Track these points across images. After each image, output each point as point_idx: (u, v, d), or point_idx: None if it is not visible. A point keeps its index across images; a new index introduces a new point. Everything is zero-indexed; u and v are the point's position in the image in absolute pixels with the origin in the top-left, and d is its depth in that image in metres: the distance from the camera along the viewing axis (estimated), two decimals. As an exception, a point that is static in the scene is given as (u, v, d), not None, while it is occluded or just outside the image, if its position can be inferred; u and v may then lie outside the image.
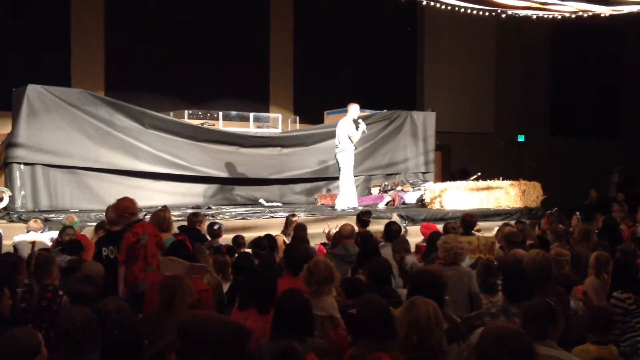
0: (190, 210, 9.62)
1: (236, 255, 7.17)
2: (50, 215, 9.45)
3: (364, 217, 8.75)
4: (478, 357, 2.85)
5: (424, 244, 7.85)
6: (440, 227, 9.25)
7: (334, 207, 11.64)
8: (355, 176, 13.49)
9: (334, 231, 8.29)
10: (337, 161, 11.41)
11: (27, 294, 4.85)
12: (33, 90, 10.24)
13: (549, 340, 3.65)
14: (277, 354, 3.31)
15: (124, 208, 6.33)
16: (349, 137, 11.14)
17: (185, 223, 8.18)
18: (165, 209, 7.01)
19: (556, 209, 12.04)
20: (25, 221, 9.02)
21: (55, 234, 8.00)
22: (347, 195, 11.36)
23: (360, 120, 11.45)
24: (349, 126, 11.18)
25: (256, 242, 7.45)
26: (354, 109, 11.30)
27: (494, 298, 5.42)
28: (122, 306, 4.29)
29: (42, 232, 8.32)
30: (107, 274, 5.32)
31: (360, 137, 11.43)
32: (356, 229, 8.52)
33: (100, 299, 4.77)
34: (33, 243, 7.76)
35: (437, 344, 3.39)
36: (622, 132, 21.31)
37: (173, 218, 7.32)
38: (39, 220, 8.47)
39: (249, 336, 2.92)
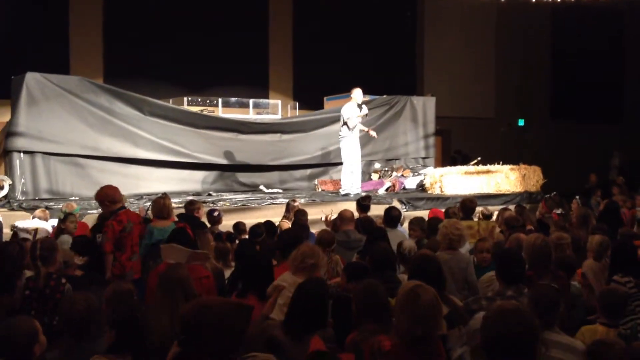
0: (190, 198, 9.63)
1: (237, 242, 7.20)
2: (50, 204, 9.46)
3: (364, 202, 8.74)
4: (483, 337, 2.87)
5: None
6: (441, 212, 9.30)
7: (335, 192, 11.65)
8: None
9: (332, 217, 8.29)
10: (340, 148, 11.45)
11: (31, 282, 4.88)
12: (32, 79, 10.22)
13: (555, 327, 3.68)
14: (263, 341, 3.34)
15: (104, 196, 6.32)
16: (345, 123, 11.11)
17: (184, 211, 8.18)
18: (165, 196, 7.02)
19: (555, 193, 12.04)
20: (26, 209, 9.05)
21: (55, 222, 8.00)
22: (348, 181, 11.36)
23: (363, 105, 11.40)
24: (347, 111, 11.14)
25: (253, 229, 7.45)
26: (356, 93, 11.25)
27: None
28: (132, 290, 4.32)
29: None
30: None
31: (362, 121, 11.36)
32: (356, 214, 8.55)
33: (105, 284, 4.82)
34: (35, 230, 7.76)
35: (440, 330, 3.41)
36: (623, 115, 21.26)
37: (173, 205, 7.32)
38: (47, 211, 8.44)
39: (250, 312, 2.92)
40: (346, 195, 11.21)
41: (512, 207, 10.37)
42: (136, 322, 3.35)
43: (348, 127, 11.13)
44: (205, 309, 2.78)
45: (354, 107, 11.17)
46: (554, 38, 20.53)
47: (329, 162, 13.10)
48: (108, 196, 6.29)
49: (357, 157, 11.44)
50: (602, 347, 3.10)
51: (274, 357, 2.99)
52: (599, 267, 5.78)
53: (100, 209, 7.10)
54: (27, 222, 8.15)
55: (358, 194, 11.15)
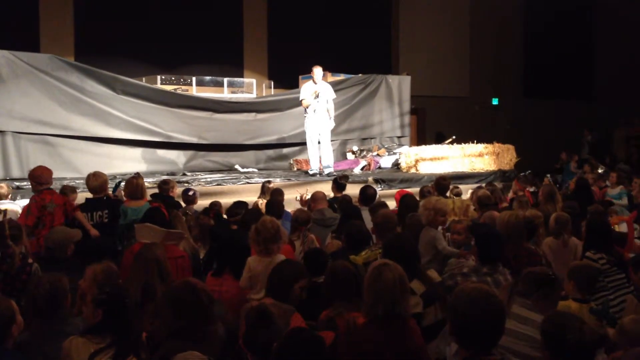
0: (165, 177, 9.55)
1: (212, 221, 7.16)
2: (22, 184, 9.31)
3: (340, 181, 8.76)
4: (451, 316, 2.90)
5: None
6: (415, 190, 9.35)
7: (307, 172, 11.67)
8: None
9: (307, 196, 8.30)
10: None
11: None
12: (1, 57, 10.01)
13: (528, 301, 3.72)
14: (253, 316, 3.38)
15: (33, 177, 6.54)
16: (301, 101, 11.17)
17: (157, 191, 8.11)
18: (138, 176, 6.97)
19: (529, 171, 12.18)
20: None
21: (25, 202, 7.87)
22: (315, 161, 11.38)
23: (324, 84, 11.35)
24: (302, 91, 11.20)
25: (231, 210, 7.41)
26: (315, 72, 11.15)
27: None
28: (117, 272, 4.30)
29: (14, 200, 8.17)
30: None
31: (315, 100, 11.09)
32: (331, 193, 8.56)
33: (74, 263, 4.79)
34: (5, 211, 7.63)
35: (404, 310, 3.44)
36: (595, 93, 21.48)
37: (147, 185, 7.27)
38: (4, 185, 8.27)
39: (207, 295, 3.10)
40: (314, 175, 11.19)
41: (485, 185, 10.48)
42: (124, 303, 3.34)
43: (302, 105, 11.20)
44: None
45: (310, 87, 11.15)
46: (526, 16, 20.61)
47: (305, 142, 13.07)
48: (36, 178, 6.50)
49: (322, 136, 11.32)
50: (557, 318, 3.13)
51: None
52: (558, 244, 5.86)
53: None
54: (-4, 203, 8.01)
55: (330, 173, 11.15)
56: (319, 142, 11.36)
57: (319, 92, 11.08)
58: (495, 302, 2.86)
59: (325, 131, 11.35)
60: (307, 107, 11.15)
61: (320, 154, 11.44)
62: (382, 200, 8.11)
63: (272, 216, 5.47)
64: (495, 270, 4.51)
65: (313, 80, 11.16)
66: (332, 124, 11.54)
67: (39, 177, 6.47)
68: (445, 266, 5.25)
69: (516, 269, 4.65)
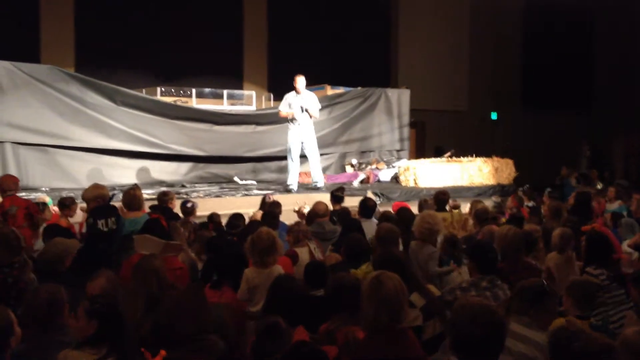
0: (164, 189, 9.54)
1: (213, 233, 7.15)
2: (21, 194, 9.28)
3: (336, 193, 8.77)
4: (451, 331, 2.89)
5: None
6: (414, 204, 9.35)
7: (308, 185, 11.65)
8: (329, 154, 13.56)
9: (305, 209, 8.29)
10: None
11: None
12: (1, 67, 10.01)
13: (525, 318, 3.70)
14: (262, 329, 3.37)
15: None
16: (279, 111, 11.03)
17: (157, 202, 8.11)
18: (135, 187, 6.94)
19: (527, 185, 12.19)
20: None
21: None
22: (293, 175, 11.11)
23: (306, 93, 11.10)
24: (283, 100, 11.02)
25: (230, 221, 7.41)
26: (296, 83, 10.92)
27: (461, 269, 5.52)
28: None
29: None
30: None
31: (295, 110, 10.89)
32: (330, 206, 8.56)
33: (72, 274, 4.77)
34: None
35: (404, 319, 3.42)
36: (594, 106, 21.50)
37: (146, 196, 7.27)
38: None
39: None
40: (289, 191, 10.97)
41: (485, 199, 10.50)
42: (119, 314, 3.32)
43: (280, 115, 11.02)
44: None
45: (290, 97, 10.98)
46: (525, 31, 20.68)
47: (304, 154, 13.07)
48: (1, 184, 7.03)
49: (307, 148, 11.06)
50: (563, 329, 3.12)
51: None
52: (562, 260, 5.85)
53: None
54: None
55: (319, 187, 11.06)
56: (302, 156, 11.13)
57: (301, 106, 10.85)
58: (495, 317, 2.85)
59: (310, 143, 11.12)
60: (289, 118, 10.93)
61: (310, 169, 11.26)
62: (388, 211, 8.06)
63: (269, 227, 5.47)
64: (494, 284, 4.51)
65: (296, 90, 10.95)
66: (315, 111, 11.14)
67: (1, 184, 6.95)
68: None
69: (515, 283, 4.63)
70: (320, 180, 11.33)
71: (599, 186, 12.15)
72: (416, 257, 5.74)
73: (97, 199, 6.47)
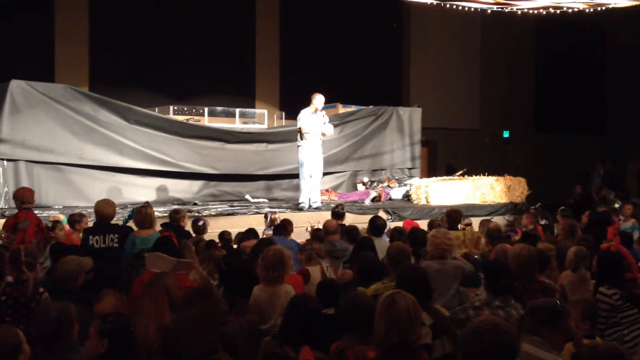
0: (176, 207, 9.57)
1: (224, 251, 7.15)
2: (35, 212, 9.34)
3: (336, 210, 8.82)
4: (463, 350, 2.86)
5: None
6: (425, 222, 9.32)
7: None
8: (341, 172, 13.56)
9: (316, 227, 8.29)
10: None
11: (8, 287, 4.80)
12: (16, 86, 10.14)
13: (537, 338, 3.64)
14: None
15: (16, 197, 7.11)
16: (299, 129, 10.80)
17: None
18: (147, 205, 6.97)
19: (540, 204, 12.11)
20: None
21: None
22: (305, 193, 10.95)
23: (323, 112, 11.09)
24: (301, 117, 10.76)
25: (242, 239, 7.42)
26: (316, 100, 10.81)
27: (478, 290, 5.45)
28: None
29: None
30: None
31: (319, 130, 10.79)
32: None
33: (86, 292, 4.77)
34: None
35: (417, 339, 3.39)
36: (607, 126, 21.41)
37: (158, 214, 7.30)
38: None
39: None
40: (300, 209, 10.87)
41: (496, 218, 10.45)
42: (130, 333, 3.31)
43: (300, 134, 10.77)
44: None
45: (308, 113, 10.79)
46: (538, 51, 20.69)
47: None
48: (18, 196, 7.07)
49: (314, 167, 10.91)
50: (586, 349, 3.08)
51: None
52: (576, 278, 5.79)
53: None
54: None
55: (318, 207, 10.95)
56: (310, 176, 10.95)
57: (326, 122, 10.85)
58: (506, 337, 2.82)
59: (320, 162, 11.03)
60: (306, 135, 10.74)
61: (311, 188, 11.03)
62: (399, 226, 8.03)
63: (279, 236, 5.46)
64: (508, 303, 4.46)
65: (314, 108, 10.83)
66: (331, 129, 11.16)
67: (21, 196, 6.97)
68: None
69: (528, 302, 4.59)
70: (318, 200, 11.19)
71: (617, 205, 12.08)
72: (437, 275, 5.66)
73: (97, 214, 6.56)
